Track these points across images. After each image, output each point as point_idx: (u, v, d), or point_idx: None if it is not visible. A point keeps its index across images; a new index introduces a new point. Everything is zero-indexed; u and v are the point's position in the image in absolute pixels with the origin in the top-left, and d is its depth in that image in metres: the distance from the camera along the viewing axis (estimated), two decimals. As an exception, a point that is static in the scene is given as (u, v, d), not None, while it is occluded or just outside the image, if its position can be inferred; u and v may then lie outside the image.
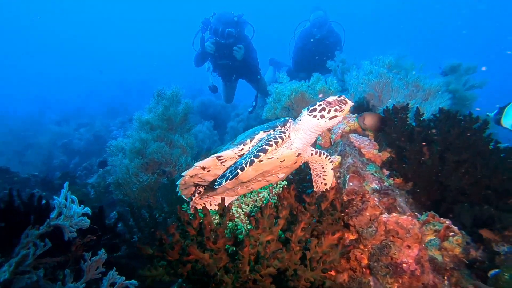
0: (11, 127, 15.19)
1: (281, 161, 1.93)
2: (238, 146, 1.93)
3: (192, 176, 2.14)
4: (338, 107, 1.83)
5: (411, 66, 5.10)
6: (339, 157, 2.47)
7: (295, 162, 2.13)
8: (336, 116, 1.85)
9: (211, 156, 1.96)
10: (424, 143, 2.69)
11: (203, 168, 2.02)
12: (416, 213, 2.00)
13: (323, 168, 2.30)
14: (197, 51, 7.29)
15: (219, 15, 6.84)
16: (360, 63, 4.06)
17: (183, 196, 2.49)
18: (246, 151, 1.92)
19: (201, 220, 1.60)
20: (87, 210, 2.16)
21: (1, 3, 36.90)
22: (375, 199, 1.74)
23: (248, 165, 1.67)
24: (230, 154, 1.94)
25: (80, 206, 2.22)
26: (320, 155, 2.18)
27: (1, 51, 36.24)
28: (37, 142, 12.34)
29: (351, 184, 2.04)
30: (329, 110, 1.83)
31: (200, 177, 2.16)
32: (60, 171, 11.53)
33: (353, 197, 1.69)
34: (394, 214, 1.52)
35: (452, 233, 1.65)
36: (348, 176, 2.10)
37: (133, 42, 42.01)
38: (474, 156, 2.46)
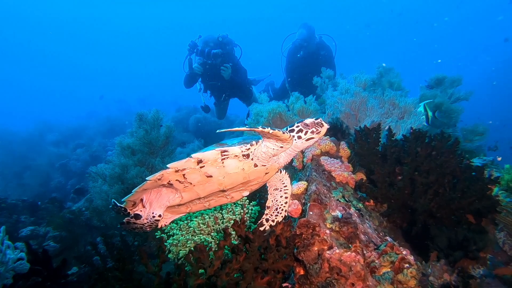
0: (12, 147, 15.35)
1: (245, 171, 1.98)
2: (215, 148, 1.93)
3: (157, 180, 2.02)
4: (314, 129, 1.98)
5: (388, 83, 5.12)
6: (305, 182, 2.44)
7: (262, 177, 2.13)
8: (312, 138, 2.00)
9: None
10: (397, 164, 2.66)
11: (177, 171, 1.93)
12: (375, 243, 1.95)
13: (283, 183, 2.30)
14: (186, 72, 7.48)
15: (205, 38, 7.11)
16: (337, 82, 4.06)
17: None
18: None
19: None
20: (22, 255, 2.13)
21: (3, 22, 37.85)
22: (327, 231, 1.69)
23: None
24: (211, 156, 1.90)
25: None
26: (279, 172, 2.26)
27: (5, 69, 37.10)
28: (35, 164, 12.42)
29: (311, 213, 2.00)
30: (306, 132, 1.98)
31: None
32: (57, 192, 11.57)
33: (304, 230, 1.65)
34: (337, 251, 1.47)
35: (407, 265, 1.60)
36: (308, 204, 2.06)
37: (133, 61, 42.82)
38: (443, 177, 2.41)
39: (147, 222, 2.22)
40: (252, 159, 2.00)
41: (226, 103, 9.04)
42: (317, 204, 2.06)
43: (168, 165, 1.86)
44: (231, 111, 11.56)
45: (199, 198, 2.16)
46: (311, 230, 1.61)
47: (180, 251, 2.69)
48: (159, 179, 1.92)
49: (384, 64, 5.62)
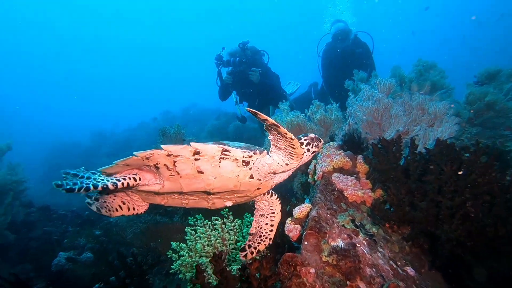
0: (74, 159, 16.98)
1: (238, 179, 1.88)
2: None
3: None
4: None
5: (430, 82, 4.62)
6: (309, 205, 2.24)
7: (252, 192, 2.01)
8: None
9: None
10: (421, 182, 2.33)
11: (169, 155, 1.77)
12: (384, 278, 1.70)
13: (272, 209, 2.15)
14: (218, 85, 7.70)
15: (229, 50, 7.39)
16: (359, 87, 3.74)
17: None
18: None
19: None
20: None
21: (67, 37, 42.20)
22: (311, 271, 1.50)
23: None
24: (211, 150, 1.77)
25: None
26: (272, 195, 2.10)
27: (69, 82, 41.69)
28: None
29: (306, 243, 1.81)
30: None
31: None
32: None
33: (286, 267, 1.48)
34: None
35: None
36: (304, 233, 1.87)
37: (176, 71, 45.18)
38: (475, 199, 2.04)
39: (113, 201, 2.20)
40: (250, 169, 1.88)
41: (266, 111, 9.06)
42: (314, 232, 1.86)
43: (162, 146, 1.74)
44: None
45: (180, 193, 2.03)
46: (292, 268, 1.44)
47: (187, 274, 2.65)
48: (147, 158, 1.77)
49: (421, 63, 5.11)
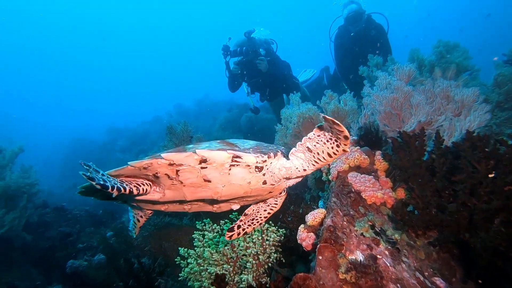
0: (91, 155, 17.30)
1: (250, 185, 1.72)
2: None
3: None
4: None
5: (453, 64, 4.26)
6: (323, 211, 2.03)
7: (263, 196, 1.85)
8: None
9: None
10: (448, 182, 2.08)
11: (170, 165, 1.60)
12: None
13: (276, 200, 2.00)
14: (227, 77, 7.57)
15: (236, 40, 7.27)
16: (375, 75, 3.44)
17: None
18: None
19: None
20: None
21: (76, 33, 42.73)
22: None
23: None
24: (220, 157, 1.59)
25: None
26: (280, 192, 1.97)
27: (82, 79, 42.39)
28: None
29: (320, 257, 1.61)
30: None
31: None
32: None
33: (296, 292, 1.29)
34: None
35: None
36: (318, 245, 1.67)
37: (189, 63, 45.07)
38: (516, 201, 1.78)
39: None
40: (264, 174, 1.70)
41: (280, 99, 8.87)
42: (329, 245, 1.66)
43: (162, 154, 1.54)
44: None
45: (182, 201, 1.86)
46: (303, 294, 1.25)
47: (196, 283, 2.51)
48: (144, 168, 1.60)
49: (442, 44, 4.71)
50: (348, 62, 7.81)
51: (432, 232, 2.14)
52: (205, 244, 2.65)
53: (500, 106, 4.30)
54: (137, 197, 1.77)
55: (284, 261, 2.61)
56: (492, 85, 4.50)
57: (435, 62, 4.92)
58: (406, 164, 2.32)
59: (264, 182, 1.74)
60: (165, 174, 1.62)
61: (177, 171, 1.59)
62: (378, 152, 2.55)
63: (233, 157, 1.55)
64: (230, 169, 1.61)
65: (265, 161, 1.64)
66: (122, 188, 1.50)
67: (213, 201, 1.91)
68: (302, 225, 2.06)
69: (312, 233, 1.96)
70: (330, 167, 2.51)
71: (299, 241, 2.01)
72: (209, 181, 1.64)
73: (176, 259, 2.74)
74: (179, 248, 2.77)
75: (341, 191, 2.17)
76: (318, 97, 10.59)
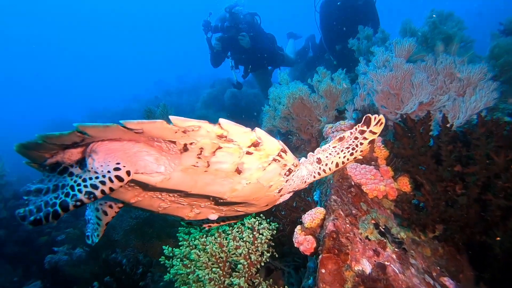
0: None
1: (269, 190, 1.49)
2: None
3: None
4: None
5: (446, 36, 4.04)
6: (322, 210, 1.81)
7: (259, 206, 1.62)
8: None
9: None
10: (456, 170, 1.88)
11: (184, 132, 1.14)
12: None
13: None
14: (209, 52, 7.34)
15: (218, 15, 7.09)
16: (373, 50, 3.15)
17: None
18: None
19: None
20: None
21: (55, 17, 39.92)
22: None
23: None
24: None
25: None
26: None
27: (56, 61, 39.94)
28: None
29: (322, 270, 1.40)
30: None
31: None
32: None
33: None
34: None
35: None
36: (320, 256, 1.46)
37: (167, 39, 42.96)
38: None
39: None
40: (287, 181, 1.52)
41: (264, 71, 8.60)
42: (333, 255, 1.45)
43: (223, 121, 1.12)
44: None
45: (172, 193, 1.43)
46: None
47: (182, 287, 2.31)
48: (184, 131, 1.12)
49: (434, 15, 4.42)
50: (335, 33, 7.54)
51: (438, 226, 1.98)
52: (191, 244, 2.42)
53: (496, 79, 4.12)
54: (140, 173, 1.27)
55: (277, 255, 2.44)
56: (488, 57, 4.29)
57: (428, 33, 4.66)
58: (410, 153, 2.11)
59: (280, 190, 1.55)
60: (201, 148, 1.18)
61: (218, 148, 1.20)
62: (378, 139, 2.32)
63: (281, 150, 1.32)
64: (269, 164, 1.34)
65: (298, 165, 1.49)
66: (59, 210, 1.08)
67: (203, 203, 1.59)
68: (298, 227, 1.84)
69: (310, 236, 1.75)
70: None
71: (295, 244, 1.80)
72: (239, 173, 1.30)
73: (161, 259, 2.52)
74: (163, 247, 2.54)
75: (340, 186, 1.95)
76: (304, 68, 10.28)
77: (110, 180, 1.17)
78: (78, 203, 1.11)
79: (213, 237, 2.34)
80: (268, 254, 2.27)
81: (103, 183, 1.16)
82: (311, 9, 8.31)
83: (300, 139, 3.45)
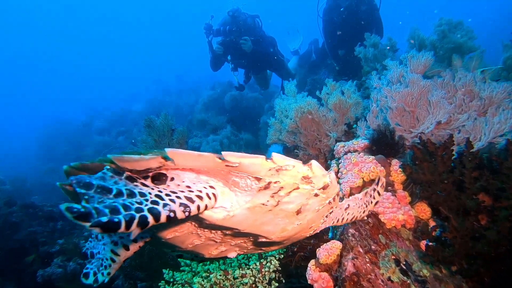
0: (68, 137, 16.42)
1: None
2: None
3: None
4: None
5: (455, 45, 3.93)
6: (338, 245, 1.66)
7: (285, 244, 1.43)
8: None
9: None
10: (482, 201, 1.74)
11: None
12: None
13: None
14: (210, 56, 7.21)
15: (220, 19, 6.94)
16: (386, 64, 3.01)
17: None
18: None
19: None
20: None
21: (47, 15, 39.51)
22: None
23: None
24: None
25: None
26: None
27: (56, 58, 39.53)
28: (85, 154, 12.98)
29: (344, 323, 1.26)
30: None
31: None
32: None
33: None
34: None
35: None
36: (340, 304, 1.31)
37: (167, 38, 42.66)
38: None
39: None
40: (322, 223, 1.38)
41: (262, 75, 8.54)
42: (355, 304, 1.31)
43: (315, 164, 1.03)
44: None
45: (227, 232, 1.25)
46: None
47: (184, 317, 2.16)
48: (274, 170, 1.00)
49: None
50: (337, 39, 7.47)
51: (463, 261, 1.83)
52: (193, 270, 2.27)
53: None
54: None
55: (284, 280, 2.30)
56: (500, 69, 4.17)
57: (436, 42, 4.55)
58: (430, 178, 1.97)
59: (314, 231, 1.39)
60: (281, 187, 1.06)
61: (296, 188, 1.08)
62: (394, 161, 2.18)
63: (336, 194, 1.21)
64: (323, 207, 1.20)
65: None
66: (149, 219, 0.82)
67: (237, 242, 1.40)
68: (312, 262, 1.70)
69: (325, 274, 1.60)
70: (340, 182, 2.13)
71: (309, 281, 1.66)
72: (298, 213, 1.16)
73: (160, 284, 2.36)
74: (164, 270, 2.39)
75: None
76: (306, 73, 10.16)
77: (208, 196, 1.01)
78: (172, 215, 0.90)
79: (217, 264, 2.19)
80: (277, 284, 2.12)
81: (200, 197, 0.98)
82: (312, 13, 8.23)
83: (307, 154, 3.31)
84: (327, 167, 3.21)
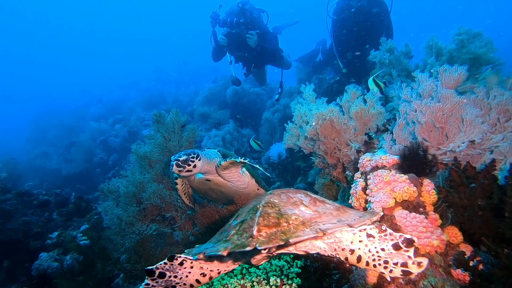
0: (62, 121, 16.08)
1: None
2: None
3: None
4: None
5: (474, 56, 3.86)
6: (372, 273, 1.56)
7: None
8: None
9: None
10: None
11: None
12: None
13: None
14: (212, 46, 7.11)
15: (227, 9, 6.79)
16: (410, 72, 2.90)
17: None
18: None
19: None
20: None
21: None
22: None
23: None
24: None
25: None
26: None
27: (53, 43, 38.57)
28: (79, 140, 12.71)
29: None
30: None
31: None
32: (100, 168, 11.86)
33: None
34: None
35: None
36: None
37: (168, 27, 41.90)
38: None
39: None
40: None
41: (262, 70, 8.43)
42: None
43: None
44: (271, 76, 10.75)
45: None
46: None
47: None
48: None
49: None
50: (347, 40, 7.38)
51: None
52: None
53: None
54: None
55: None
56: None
57: (454, 51, 4.47)
58: (466, 204, 1.88)
59: None
60: None
61: None
62: (426, 182, 2.08)
63: None
64: None
65: None
66: None
67: None
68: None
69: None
70: (369, 200, 2.02)
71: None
72: None
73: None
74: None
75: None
76: (311, 72, 10.10)
77: None
78: None
79: (235, 279, 2.07)
80: (297, 303, 2.01)
81: None
82: (318, 13, 8.11)
83: (323, 162, 3.20)
84: (345, 177, 3.11)
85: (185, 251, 1.44)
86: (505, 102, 2.33)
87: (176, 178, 3.17)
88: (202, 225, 3.10)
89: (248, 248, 1.09)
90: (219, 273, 1.49)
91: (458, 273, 1.78)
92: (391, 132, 2.64)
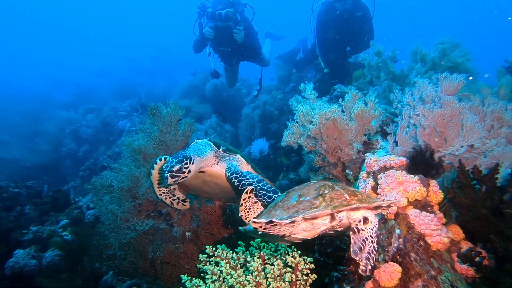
0: (23, 107, 14.96)
1: None
2: None
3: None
4: None
5: (453, 64, 4.15)
6: (398, 268, 1.63)
7: None
8: None
9: None
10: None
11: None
12: None
13: None
14: (196, 36, 6.90)
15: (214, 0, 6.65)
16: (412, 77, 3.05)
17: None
18: None
19: None
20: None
21: None
22: None
23: None
24: None
25: None
26: None
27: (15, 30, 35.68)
28: (45, 129, 11.93)
29: None
30: None
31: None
32: (70, 159, 11.22)
33: None
34: None
35: None
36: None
37: (141, 18, 40.29)
38: None
39: None
40: None
41: (236, 67, 8.53)
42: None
43: None
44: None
45: None
46: None
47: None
48: None
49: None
50: (330, 41, 7.58)
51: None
52: (221, 278, 2.14)
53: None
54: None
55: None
56: (496, 93, 4.43)
57: (436, 59, 4.77)
58: (470, 204, 2.02)
59: None
60: None
61: None
62: (434, 183, 2.20)
63: None
64: None
65: None
66: None
67: None
68: (370, 284, 1.65)
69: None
70: (384, 199, 2.10)
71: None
72: None
73: None
74: (182, 276, 2.23)
75: (411, 239, 1.79)
76: (291, 69, 10.23)
77: None
78: None
79: (251, 274, 2.07)
80: (312, 298, 2.06)
81: None
82: (302, 12, 8.25)
83: (324, 161, 3.27)
84: (345, 176, 3.20)
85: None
86: (498, 110, 2.52)
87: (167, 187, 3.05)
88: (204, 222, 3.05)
89: (354, 206, 1.39)
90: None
91: (462, 268, 1.91)
92: (394, 134, 2.76)
